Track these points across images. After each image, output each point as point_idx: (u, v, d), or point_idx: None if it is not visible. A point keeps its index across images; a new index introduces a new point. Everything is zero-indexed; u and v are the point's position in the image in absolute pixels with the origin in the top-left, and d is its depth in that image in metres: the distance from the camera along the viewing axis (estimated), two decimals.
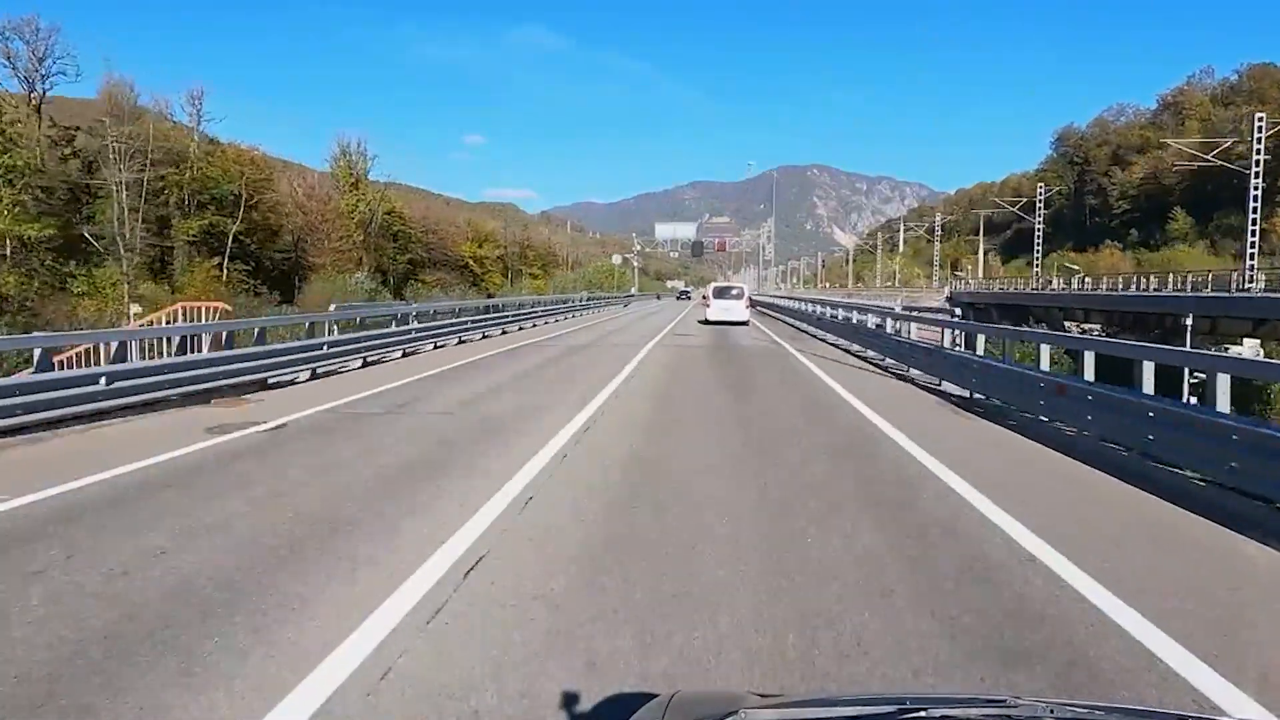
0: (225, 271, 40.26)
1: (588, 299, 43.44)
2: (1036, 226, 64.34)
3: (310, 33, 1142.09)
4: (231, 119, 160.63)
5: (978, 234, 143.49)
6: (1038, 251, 64.93)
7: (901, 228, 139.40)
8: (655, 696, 1.37)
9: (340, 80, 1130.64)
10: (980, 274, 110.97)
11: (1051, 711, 1.11)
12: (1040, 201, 65.10)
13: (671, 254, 69.89)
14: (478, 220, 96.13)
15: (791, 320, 30.29)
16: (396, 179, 65.89)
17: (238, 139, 50.22)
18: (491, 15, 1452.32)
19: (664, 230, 69.46)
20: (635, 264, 73.32)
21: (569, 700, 2.74)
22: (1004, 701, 1.14)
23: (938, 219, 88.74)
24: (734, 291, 30.55)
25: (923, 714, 1.08)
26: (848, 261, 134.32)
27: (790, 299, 38.95)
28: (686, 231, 68.42)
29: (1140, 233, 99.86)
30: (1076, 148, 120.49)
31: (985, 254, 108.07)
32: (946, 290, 56.10)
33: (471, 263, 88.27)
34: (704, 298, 35.48)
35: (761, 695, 1.39)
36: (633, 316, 37.59)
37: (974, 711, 1.14)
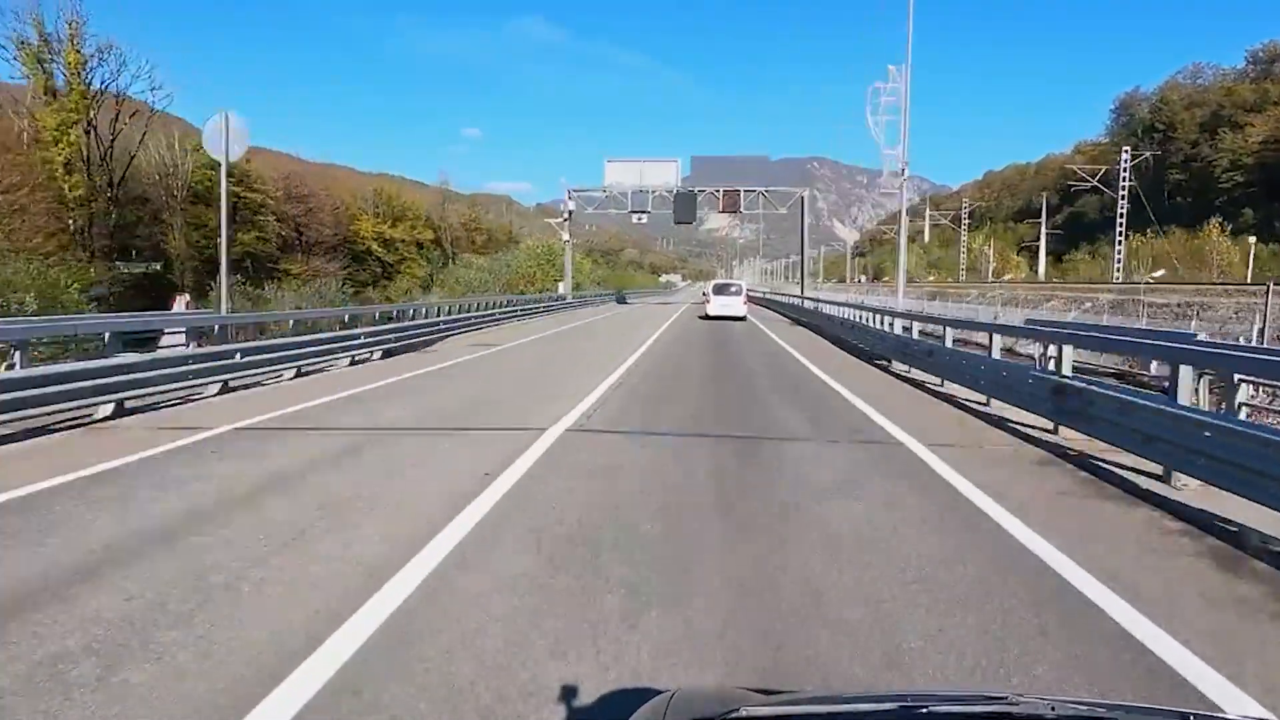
0: None
1: (339, 333, 15.35)
2: None
3: (305, 24, 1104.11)
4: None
5: (1016, 220, 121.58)
6: None
7: (928, 210, 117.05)
8: (658, 694, 1.33)
9: (339, 75, 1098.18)
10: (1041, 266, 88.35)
11: (1052, 709, 1.09)
12: None
13: (637, 219, 39.39)
14: (392, 189, 72.07)
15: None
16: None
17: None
18: (488, 7, 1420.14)
19: (622, 173, 37.12)
20: (566, 238, 42.32)
21: (570, 694, 2.70)
22: (1005, 698, 1.13)
23: (1125, 157, 42.13)
24: (733, 289, 31.32)
25: (924, 711, 1.08)
26: (902, 248, 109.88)
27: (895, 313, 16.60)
28: (662, 175, 36.54)
29: (1258, 212, 77.07)
30: (1156, 113, 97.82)
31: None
32: None
33: (376, 247, 64.49)
34: (704, 295, 35.43)
35: (764, 693, 1.40)
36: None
37: (975, 708, 1.13)
